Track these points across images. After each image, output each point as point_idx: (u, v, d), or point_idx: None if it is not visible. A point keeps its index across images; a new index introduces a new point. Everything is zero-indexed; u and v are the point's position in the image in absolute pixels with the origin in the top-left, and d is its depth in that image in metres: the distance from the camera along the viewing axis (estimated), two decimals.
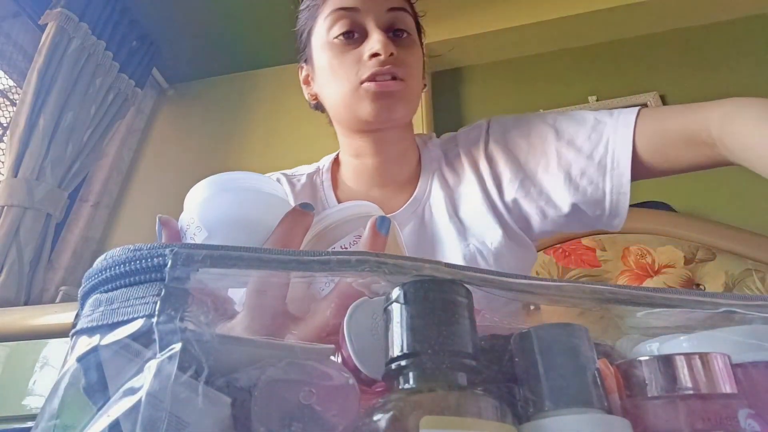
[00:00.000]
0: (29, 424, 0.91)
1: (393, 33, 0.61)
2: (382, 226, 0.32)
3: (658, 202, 1.31)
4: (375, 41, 0.58)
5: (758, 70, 1.61)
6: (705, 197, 1.44)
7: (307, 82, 0.70)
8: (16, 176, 1.42)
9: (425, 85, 0.70)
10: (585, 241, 1.19)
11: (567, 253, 1.19)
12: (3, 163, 1.54)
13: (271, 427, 0.18)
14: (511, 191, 0.62)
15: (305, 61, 0.68)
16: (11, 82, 1.72)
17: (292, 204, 0.34)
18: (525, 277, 0.22)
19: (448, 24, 1.94)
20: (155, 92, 2.14)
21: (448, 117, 1.90)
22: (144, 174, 1.97)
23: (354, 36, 0.60)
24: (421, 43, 0.69)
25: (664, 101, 1.66)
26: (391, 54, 0.58)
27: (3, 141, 1.64)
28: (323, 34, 0.62)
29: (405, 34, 0.62)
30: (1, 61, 1.67)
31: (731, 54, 1.67)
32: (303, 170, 0.73)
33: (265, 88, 2.04)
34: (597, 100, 1.74)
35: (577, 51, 1.88)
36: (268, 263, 0.21)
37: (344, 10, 0.60)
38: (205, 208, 0.34)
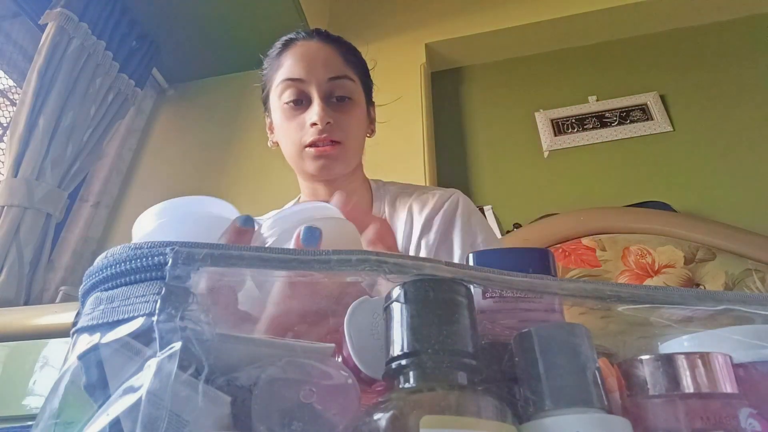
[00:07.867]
0: (29, 423, 0.91)
1: (336, 99, 0.69)
2: (308, 240, 0.29)
3: (658, 202, 1.31)
4: (314, 113, 0.66)
5: (758, 70, 1.60)
6: (705, 197, 1.44)
7: (271, 130, 0.77)
8: (16, 176, 1.42)
9: (373, 130, 0.78)
10: (585, 241, 1.19)
11: (567, 253, 1.18)
12: (3, 163, 1.54)
13: (271, 425, 0.18)
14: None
15: (268, 112, 0.76)
16: (11, 82, 1.71)
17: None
18: (526, 276, 0.22)
19: (448, 24, 1.94)
20: (155, 92, 2.14)
21: (448, 117, 1.90)
22: (144, 174, 1.96)
23: (301, 102, 0.68)
24: (369, 98, 0.77)
25: (664, 101, 1.65)
26: (328, 123, 0.66)
27: (3, 141, 1.64)
28: (276, 98, 0.70)
29: (346, 99, 0.69)
30: (1, 61, 1.67)
31: (731, 54, 1.67)
32: (270, 216, 0.77)
33: None
34: (597, 100, 1.74)
35: (577, 51, 1.88)
36: (268, 262, 0.21)
37: (291, 81, 0.68)
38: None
